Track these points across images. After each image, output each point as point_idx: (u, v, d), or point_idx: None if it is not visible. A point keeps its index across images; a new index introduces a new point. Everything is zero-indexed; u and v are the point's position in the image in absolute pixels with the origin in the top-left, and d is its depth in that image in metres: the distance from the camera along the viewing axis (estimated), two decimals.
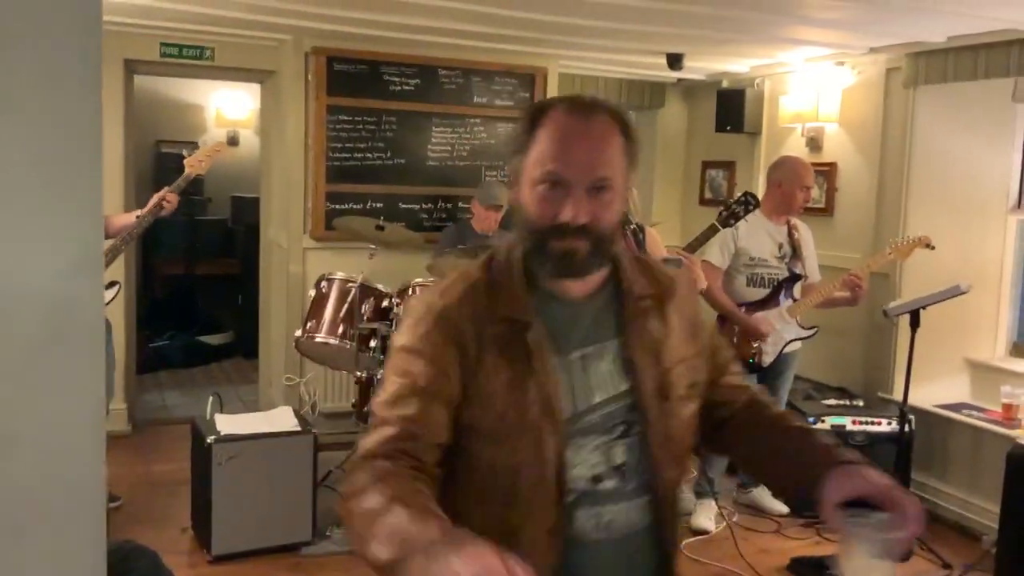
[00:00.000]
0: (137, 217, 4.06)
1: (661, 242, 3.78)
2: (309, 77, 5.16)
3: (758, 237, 4.37)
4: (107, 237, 4.07)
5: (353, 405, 4.86)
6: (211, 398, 4.15)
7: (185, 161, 4.22)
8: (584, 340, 1.43)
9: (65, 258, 0.80)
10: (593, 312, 1.45)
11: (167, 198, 4.05)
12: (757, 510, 4.63)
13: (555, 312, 1.43)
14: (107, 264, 3.83)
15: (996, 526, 3.94)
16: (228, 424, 3.91)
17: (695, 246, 3.70)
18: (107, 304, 4.01)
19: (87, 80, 0.80)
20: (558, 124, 1.38)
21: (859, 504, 1.33)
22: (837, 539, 1.36)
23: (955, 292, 4.17)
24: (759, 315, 4.32)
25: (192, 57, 5.27)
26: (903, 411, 4.34)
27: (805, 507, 4.37)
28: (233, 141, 8.40)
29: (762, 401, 1.63)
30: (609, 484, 1.41)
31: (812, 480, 1.36)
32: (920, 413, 4.64)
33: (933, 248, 4.33)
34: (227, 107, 8.20)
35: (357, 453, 1.37)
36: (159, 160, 7.91)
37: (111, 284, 4.16)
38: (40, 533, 0.85)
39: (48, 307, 0.79)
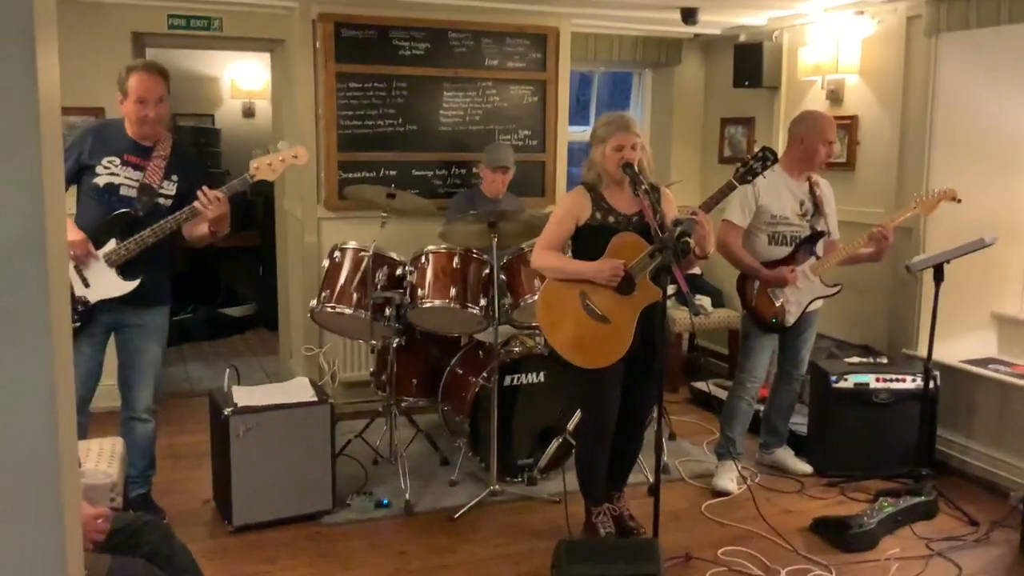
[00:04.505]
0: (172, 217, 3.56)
1: (674, 201, 3.70)
2: (317, 44, 5.10)
3: (779, 194, 4.28)
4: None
5: (371, 374, 4.86)
6: (228, 370, 4.15)
7: (252, 162, 3.64)
8: None
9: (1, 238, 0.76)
10: None
11: (205, 198, 3.47)
12: (779, 471, 4.59)
13: None
14: (131, 252, 3.53)
15: None
16: (245, 396, 3.92)
17: (711, 204, 3.62)
18: (122, 295, 3.58)
19: (11, 43, 0.76)
20: None
21: None
22: None
23: (979, 245, 4.07)
24: (781, 268, 4.24)
25: (200, 28, 5.22)
26: (928, 368, 4.27)
27: (828, 468, 4.34)
28: (249, 112, 8.38)
29: None
30: None
31: None
32: (945, 369, 4.56)
33: (959, 201, 4.23)
34: (242, 78, 8.17)
35: None
36: (176, 134, 7.88)
37: (135, 277, 3.58)
38: None
39: None
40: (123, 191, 3.58)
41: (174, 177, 3.67)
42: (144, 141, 3.63)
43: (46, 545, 0.88)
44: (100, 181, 3.56)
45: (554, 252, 3.59)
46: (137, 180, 3.60)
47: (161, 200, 3.64)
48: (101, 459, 3.28)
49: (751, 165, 3.59)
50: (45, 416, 0.83)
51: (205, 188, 3.53)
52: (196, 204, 3.52)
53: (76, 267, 3.50)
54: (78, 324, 3.55)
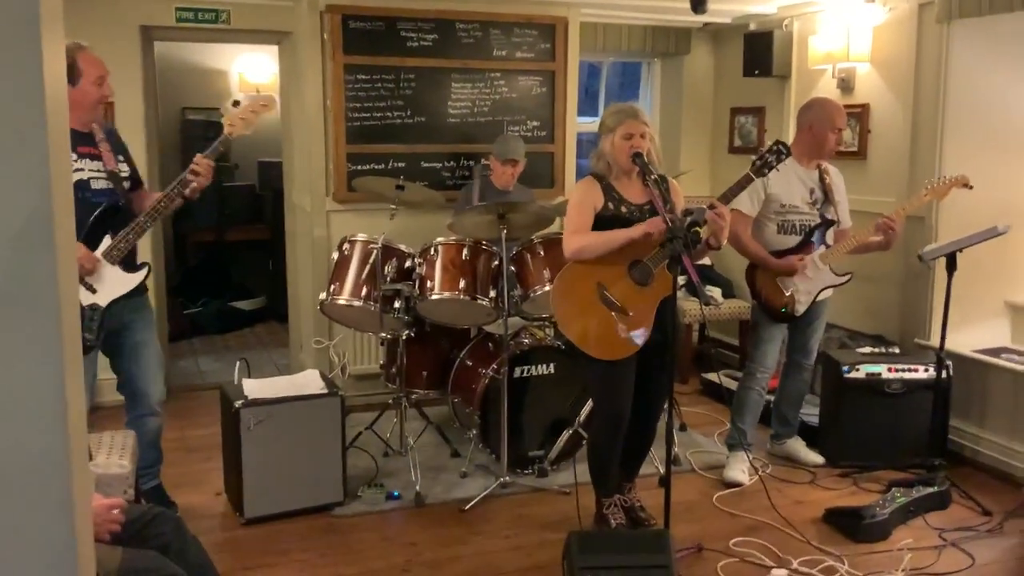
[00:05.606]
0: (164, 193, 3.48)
1: (681, 192, 3.69)
2: (325, 36, 5.08)
3: (788, 183, 4.25)
4: (139, 215, 3.48)
5: (381, 366, 4.87)
6: (238, 363, 4.16)
7: (224, 120, 3.56)
8: None
9: (5, 229, 0.76)
10: None
11: (196, 165, 3.44)
12: (791, 461, 4.58)
13: None
14: (131, 243, 3.44)
15: None
16: (256, 388, 3.92)
17: (729, 197, 3.57)
18: (136, 287, 3.51)
19: (17, 34, 0.75)
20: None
21: None
22: None
23: (992, 234, 4.05)
24: (790, 257, 4.22)
25: (208, 21, 5.21)
26: (940, 357, 4.24)
27: (840, 458, 4.32)
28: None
29: None
30: None
31: None
32: (958, 359, 4.53)
33: (971, 188, 4.20)
34: (250, 71, 8.15)
35: None
36: (186, 127, 7.91)
37: (140, 266, 3.53)
38: (3, 500, 0.83)
39: None
40: (95, 184, 3.43)
41: (120, 157, 3.57)
42: (84, 128, 3.43)
43: (57, 537, 0.88)
44: None
45: (588, 233, 3.55)
46: (100, 169, 3.45)
47: (125, 184, 3.54)
48: (113, 451, 3.29)
49: (767, 159, 3.56)
50: (54, 404, 0.82)
51: (196, 158, 3.46)
52: (188, 176, 3.42)
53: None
54: (94, 339, 3.38)
